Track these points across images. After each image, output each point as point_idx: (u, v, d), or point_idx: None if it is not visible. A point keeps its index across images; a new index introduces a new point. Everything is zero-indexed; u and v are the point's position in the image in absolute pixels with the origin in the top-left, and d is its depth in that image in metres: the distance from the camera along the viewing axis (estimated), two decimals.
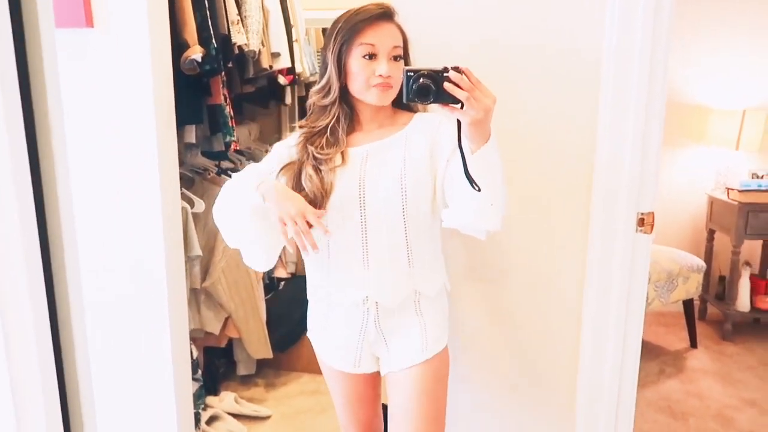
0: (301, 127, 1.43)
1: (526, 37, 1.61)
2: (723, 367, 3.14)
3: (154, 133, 1.72)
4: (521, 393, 1.81)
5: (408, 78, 1.14)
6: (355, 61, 1.32)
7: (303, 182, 1.35)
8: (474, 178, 1.16)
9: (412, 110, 1.44)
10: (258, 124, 3.32)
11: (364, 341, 1.44)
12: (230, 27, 2.20)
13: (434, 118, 1.39)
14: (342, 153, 1.36)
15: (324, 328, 1.48)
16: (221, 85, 2.27)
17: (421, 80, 1.11)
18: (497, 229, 1.26)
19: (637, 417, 2.57)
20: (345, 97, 1.38)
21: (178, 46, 1.91)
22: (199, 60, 1.90)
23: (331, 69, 1.35)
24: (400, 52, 1.35)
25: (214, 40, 2.00)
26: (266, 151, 3.59)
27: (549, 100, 1.62)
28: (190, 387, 2.07)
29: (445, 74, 1.11)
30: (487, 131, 1.16)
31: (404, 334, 1.42)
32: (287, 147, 1.43)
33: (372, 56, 1.31)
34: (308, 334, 1.55)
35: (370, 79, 1.31)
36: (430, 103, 1.13)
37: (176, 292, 1.91)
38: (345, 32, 1.32)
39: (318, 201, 1.33)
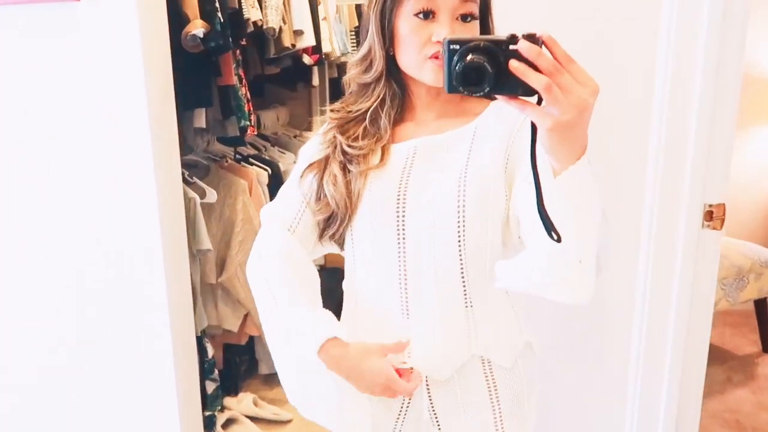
0: (332, 111, 1.04)
1: None
2: None
3: (146, 116, 1.56)
4: (570, 403, 1.57)
5: (450, 54, 0.68)
6: (406, 21, 0.92)
7: (324, 185, 0.99)
8: (551, 219, 0.72)
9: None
10: (287, 108, 3.15)
11: (405, 421, 1.01)
12: (242, 1, 2.02)
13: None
14: (383, 149, 0.98)
15: (338, 404, 0.98)
16: (234, 65, 2.10)
17: (470, 57, 0.66)
18: (585, 302, 0.81)
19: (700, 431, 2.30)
20: (394, 72, 0.98)
21: (180, 22, 1.74)
22: (202, 36, 1.73)
23: (373, 32, 0.96)
24: (474, 9, 0.92)
25: (219, 15, 1.83)
26: (295, 137, 3.47)
27: (596, 69, 1.36)
28: (197, 390, 1.93)
29: (511, 47, 0.65)
30: (580, 142, 0.70)
31: (467, 420, 1.00)
32: (315, 140, 1.07)
33: (430, 14, 0.90)
34: (302, 410, 1.02)
35: (426, 47, 0.91)
36: (486, 95, 0.68)
37: (178, 288, 1.76)
38: None
39: (341, 213, 0.98)
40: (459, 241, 0.93)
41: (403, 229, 0.96)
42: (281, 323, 0.97)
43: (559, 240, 0.72)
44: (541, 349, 1.06)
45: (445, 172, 0.94)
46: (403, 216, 0.95)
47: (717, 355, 2.98)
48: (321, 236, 1.03)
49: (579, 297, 0.81)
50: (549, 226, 0.72)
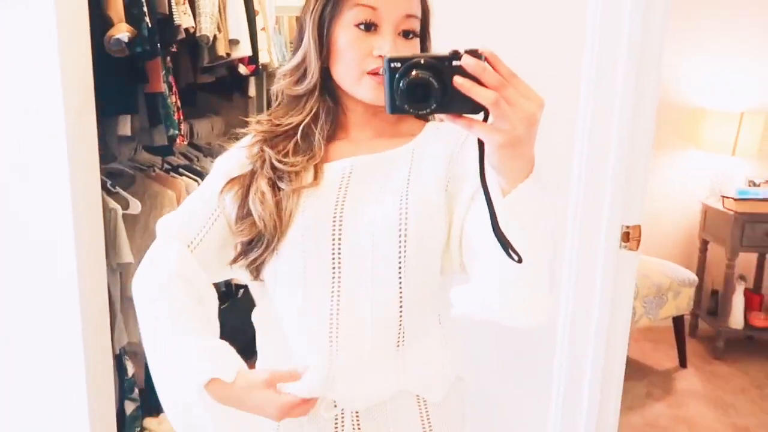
0: (258, 123, 0.94)
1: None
2: (714, 389, 2.93)
3: (62, 120, 1.48)
4: (492, 418, 1.58)
5: (391, 72, 0.64)
6: (345, 31, 0.86)
7: (250, 203, 0.88)
8: (507, 238, 0.69)
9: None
10: (222, 118, 3.08)
11: None
12: (173, 6, 1.96)
13: (458, 128, 0.85)
14: (315, 167, 0.90)
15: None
16: (164, 72, 2.03)
17: (415, 72, 0.63)
18: (541, 323, 0.79)
19: None
20: (328, 85, 0.91)
21: (104, 25, 1.67)
22: (126, 41, 1.66)
23: (309, 40, 0.88)
24: (416, 26, 0.87)
25: (147, 20, 1.76)
26: (222, 147, 3.40)
27: None
28: (112, 411, 1.83)
29: (455, 62, 0.62)
30: (528, 159, 0.68)
31: None
32: (236, 154, 0.96)
33: (371, 26, 0.85)
34: None
35: (365, 61, 0.85)
36: (431, 112, 0.65)
37: (93, 303, 1.67)
38: None
39: (268, 235, 0.87)
40: (399, 269, 0.85)
41: (339, 254, 0.87)
42: (165, 352, 0.86)
43: (520, 260, 0.68)
44: (469, 378, 1.03)
45: (384, 194, 0.87)
46: (339, 240, 0.86)
47: (638, 370, 3.09)
48: (236, 260, 0.91)
49: (536, 319, 0.78)
50: (506, 247, 0.68)
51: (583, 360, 1.50)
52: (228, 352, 0.87)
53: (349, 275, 0.87)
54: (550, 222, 0.75)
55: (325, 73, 0.90)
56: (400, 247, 0.85)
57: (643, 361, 3.21)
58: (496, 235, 0.68)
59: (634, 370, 3.08)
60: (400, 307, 0.87)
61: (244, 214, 0.90)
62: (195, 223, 0.92)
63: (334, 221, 0.87)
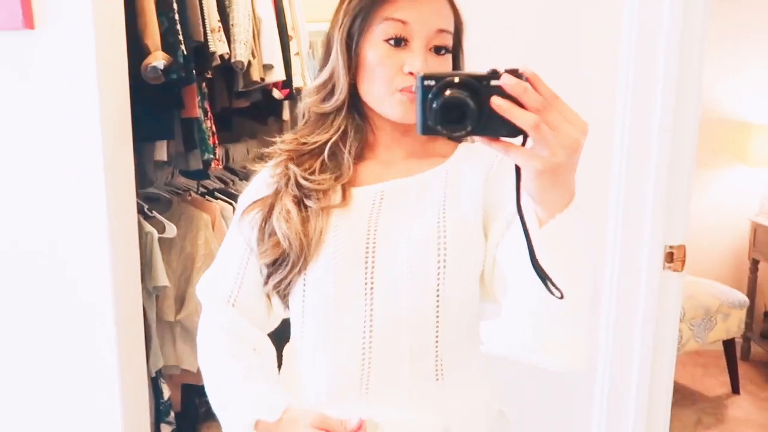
0: (283, 142, 0.91)
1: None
2: None
3: (100, 147, 1.51)
4: None
5: (425, 91, 0.60)
6: (375, 47, 0.82)
7: (274, 222, 0.85)
8: (546, 272, 0.64)
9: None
10: (258, 142, 3.12)
11: None
12: (208, 34, 2.00)
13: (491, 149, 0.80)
14: (343, 188, 0.86)
15: None
16: (199, 98, 2.07)
17: (449, 92, 0.59)
18: (577, 368, 0.72)
19: None
20: (356, 103, 0.87)
21: (141, 53, 1.72)
22: (162, 68, 1.70)
23: (337, 56, 0.85)
24: (448, 41, 0.83)
25: (183, 47, 1.80)
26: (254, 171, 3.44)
27: None
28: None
29: (493, 82, 0.58)
30: (568, 187, 0.63)
31: None
32: (257, 178, 0.94)
33: (401, 41, 0.81)
34: None
35: (395, 78, 0.81)
36: (466, 135, 0.60)
37: (129, 326, 1.69)
38: None
39: (294, 255, 0.83)
40: (437, 297, 0.81)
41: (372, 280, 0.82)
42: (218, 398, 0.88)
43: (561, 296, 0.63)
44: (513, 415, 0.97)
45: (419, 219, 0.83)
46: (373, 265, 0.82)
47: (687, 396, 2.95)
48: (265, 283, 0.89)
49: (572, 362, 0.71)
50: (545, 280, 0.63)
51: (627, 388, 1.43)
52: (273, 393, 0.85)
53: (384, 301, 0.82)
54: (591, 256, 0.69)
55: (353, 91, 0.86)
56: (438, 270, 0.81)
57: (692, 386, 3.06)
58: (534, 267, 0.63)
59: (683, 396, 2.95)
60: (437, 336, 0.83)
61: (267, 234, 0.87)
62: (228, 278, 0.91)
63: (367, 245, 0.83)
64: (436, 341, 0.83)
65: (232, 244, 0.93)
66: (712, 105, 3.25)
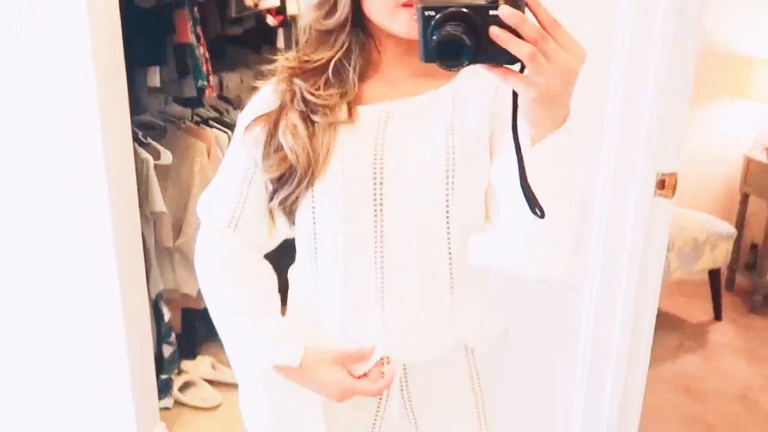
0: (286, 59, 0.88)
1: None
2: (749, 342, 2.88)
3: (92, 72, 1.49)
4: (519, 369, 1.59)
5: (425, 22, 0.61)
6: None
7: (281, 136, 0.83)
8: (534, 192, 0.66)
9: None
10: (252, 71, 3.07)
11: (382, 424, 0.92)
12: None
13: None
14: (349, 106, 0.85)
15: (312, 403, 0.91)
16: (191, 23, 2.02)
17: (447, 28, 0.59)
18: (562, 279, 0.76)
19: (650, 396, 2.35)
20: (360, 19, 0.84)
21: None
22: None
23: None
24: None
25: None
26: (254, 88, 3.40)
27: None
28: (150, 353, 1.91)
29: (492, 12, 0.59)
30: (562, 111, 0.65)
31: (448, 414, 0.93)
32: (259, 95, 0.91)
33: None
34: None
35: None
36: (466, 65, 0.61)
37: (128, 250, 1.72)
38: None
39: (301, 170, 0.83)
40: (447, 212, 0.83)
41: (381, 196, 0.83)
42: (229, 338, 0.89)
43: (542, 216, 0.66)
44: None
45: (427, 137, 0.83)
46: (381, 181, 0.82)
47: (671, 323, 3.06)
48: (270, 199, 0.88)
49: (559, 274, 0.75)
50: (532, 201, 0.66)
51: (612, 310, 1.49)
52: (289, 335, 0.86)
53: (393, 220, 0.83)
54: (580, 178, 0.71)
55: (356, 6, 0.82)
56: (447, 187, 0.82)
57: (676, 314, 3.16)
58: (522, 186, 0.65)
59: (667, 322, 3.05)
60: (449, 250, 0.85)
61: (272, 150, 0.85)
62: (230, 197, 0.90)
63: (375, 164, 0.83)
64: (449, 258, 0.85)
65: (233, 162, 0.91)
66: (714, 38, 3.19)
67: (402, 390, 0.90)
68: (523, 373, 1.59)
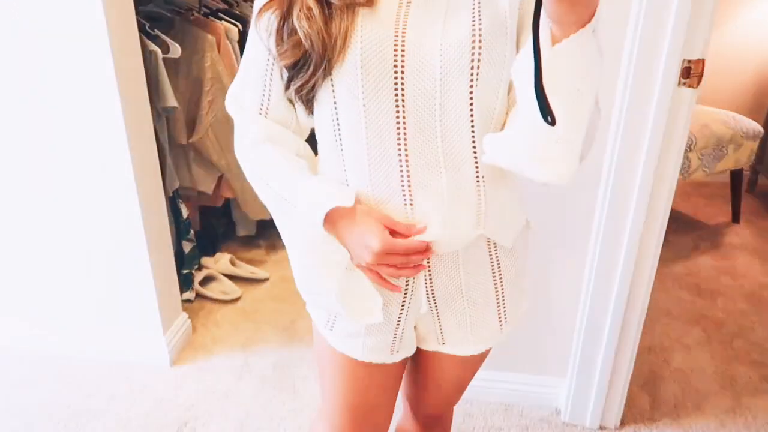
0: None
1: None
2: (765, 243, 2.87)
3: None
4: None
5: None
6: None
7: (295, 20, 0.79)
8: (547, 98, 0.62)
9: None
10: None
11: (408, 314, 0.94)
12: None
13: None
14: None
15: (357, 280, 0.90)
16: None
17: None
18: (564, 181, 0.74)
19: (660, 293, 2.40)
20: None
21: None
22: None
23: None
24: None
25: None
26: None
27: None
28: (169, 246, 1.96)
29: None
30: (588, 8, 0.62)
31: (468, 304, 0.94)
32: None
33: None
34: (309, 290, 0.95)
35: None
36: None
37: (141, 144, 1.73)
38: None
39: (316, 56, 0.79)
40: (471, 99, 0.79)
41: (402, 83, 0.78)
42: (281, 203, 0.87)
43: (553, 123, 0.62)
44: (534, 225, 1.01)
45: (452, 20, 0.78)
46: (402, 66, 0.78)
47: (687, 224, 3.05)
48: (286, 88, 0.85)
49: (561, 177, 0.73)
50: (544, 107, 0.62)
51: (626, 203, 1.47)
52: (335, 183, 0.86)
53: (416, 109, 0.79)
54: (596, 84, 0.68)
55: None
56: (472, 72, 0.77)
57: (693, 215, 3.14)
58: (537, 92, 0.62)
59: (683, 223, 3.04)
60: (473, 140, 0.81)
61: (286, 34, 0.80)
62: (255, 88, 0.87)
63: (396, 48, 0.78)
64: (473, 150, 0.82)
65: (253, 51, 0.87)
66: None
67: (426, 282, 0.91)
68: (534, 265, 1.61)
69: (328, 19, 0.78)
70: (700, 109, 2.80)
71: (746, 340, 2.17)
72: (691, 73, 1.34)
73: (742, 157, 2.84)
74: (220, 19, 2.29)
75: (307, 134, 0.93)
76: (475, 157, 0.82)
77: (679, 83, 1.35)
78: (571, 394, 1.73)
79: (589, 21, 0.61)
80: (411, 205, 0.83)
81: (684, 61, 1.33)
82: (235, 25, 2.29)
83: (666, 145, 1.41)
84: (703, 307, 2.37)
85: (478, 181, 0.84)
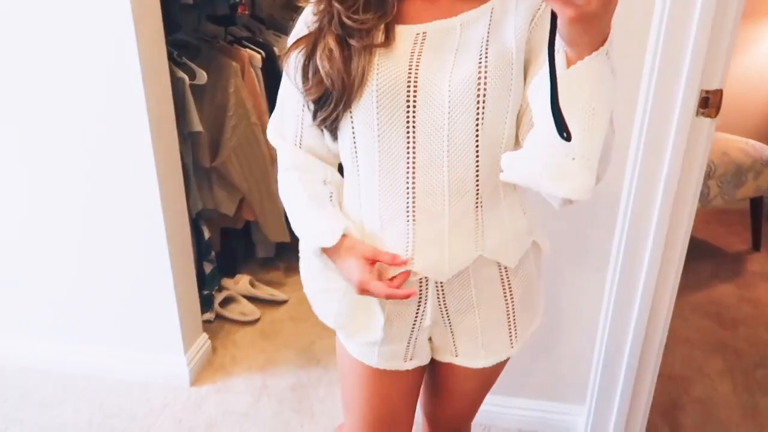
0: None
1: None
2: None
3: None
4: (552, 285, 1.61)
5: None
6: None
7: (318, 60, 0.86)
8: (564, 115, 0.66)
9: None
10: None
11: (421, 324, 0.99)
12: None
13: None
14: (386, 28, 0.85)
15: (356, 304, 0.99)
16: None
17: None
18: (583, 199, 0.74)
19: (679, 322, 2.38)
20: None
21: None
22: None
23: None
24: None
25: None
26: (293, 20, 3.34)
27: None
28: (191, 267, 1.99)
29: None
30: (601, 33, 0.64)
31: (480, 322, 0.99)
32: (301, 17, 0.93)
33: None
34: (318, 310, 1.04)
35: None
36: None
37: (168, 168, 1.77)
38: None
39: (337, 94, 0.86)
40: (477, 131, 0.84)
41: (414, 117, 0.85)
42: (294, 224, 0.98)
43: (568, 139, 0.66)
44: (550, 248, 1.05)
45: (461, 59, 0.83)
46: (414, 102, 0.84)
47: (707, 251, 3.03)
48: (313, 118, 0.92)
49: (577, 193, 0.73)
50: (560, 124, 0.66)
51: (645, 232, 1.48)
52: (334, 218, 0.94)
53: (425, 138, 0.85)
54: (611, 101, 0.70)
55: None
56: (478, 106, 0.83)
57: (713, 242, 3.12)
58: (553, 109, 0.65)
59: (703, 251, 3.02)
60: (477, 170, 0.87)
61: (311, 72, 0.88)
62: (290, 122, 0.97)
63: (408, 87, 0.84)
64: (476, 178, 0.88)
65: (287, 86, 0.95)
66: None
67: (438, 297, 0.96)
68: (550, 290, 1.62)
69: (347, 59, 0.85)
70: (719, 136, 2.80)
71: None
72: (709, 103, 1.35)
73: (763, 184, 2.82)
74: (245, 46, 2.36)
75: (339, 159, 1.00)
76: (477, 186, 0.88)
77: (697, 113, 1.36)
78: (590, 422, 1.72)
79: (602, 44, 0.65)
80: (413, 226, 0.90)
81: (702, 91, 1.34)
82: (259, 53, 2.35)
83: (685, 174, 1.42)
84: (725, 336, 2.34)
85: (476, 207, 0.90)
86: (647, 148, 1.39)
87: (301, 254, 1.03)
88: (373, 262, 0.90)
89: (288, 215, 0.99)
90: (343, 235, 0.91)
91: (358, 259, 0.89)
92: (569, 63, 0.66)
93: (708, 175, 2.61)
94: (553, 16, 0.64)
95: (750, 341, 2.31)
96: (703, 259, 2.93)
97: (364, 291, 0.89)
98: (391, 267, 0.91)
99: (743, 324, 2.42)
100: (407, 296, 0.87)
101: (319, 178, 0.98)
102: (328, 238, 0.91)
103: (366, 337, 0.99)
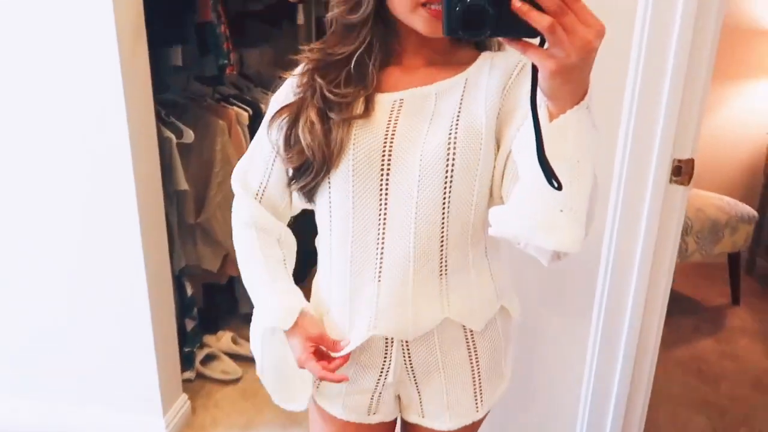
0: (310, 51, 0.94)
1: None
2: (766, 326, 2.87)
3: (116, 53, 1.53)
4: (534, 347, 1.62)
5: None
6: None
7: (299, 132, 0.90)
8: (550, 164, 0.68)
9: (479, 46, 0.96)
10: (272, 47, 3.08)
11: (385, 380, 1.02)
12: None
13: (512, 58, 0.89)
14: (366, 98, 0.90)
15: (272, 379, 1.06)
16: (212, 1, 2.04)
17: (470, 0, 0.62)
18: (573, 250, 0.75)
19: (663, 378, 2.38)
20: (383, 13, 0.89)
21: None
22: None
23: None
24: None
25: None
26: (280, 78, 3.41)
27: None
28: (173, 326, 1.97)
29: None
30: (581, 86, 0.67)
31: (446, 382, 1.01)
32: (286, 83, 0.98)
33: None
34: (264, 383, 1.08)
35: None
36: (487, 36, 0.64)
37: (153, 228, 1.78)
38: None
39: (317, 164, 0.90)
40: (444, 200, 0.88)
41: (387, 186, 0.89)
42: (248, 290, 1.02)
43: (559, 187, 0.68)
44: (519, 313, 1.07)
45: (434, 124, 0.88)
46: (388, 171, 0.88)
47: (688, 306, 3.06)
48: (289, 184, 0.97)
49: (566, 245, 0.74)
50: (549, 174, 0.67)
51: (625, 294, 1.50)
52: (291, 296, 0.99)
53: (396, 205, 0.89)
54: (594, 154, 0.73)
55: (380, 2, 0.88)
56: (446, 175, 0.86)
57: (693, 296, 3.16)
58: (540, 160, 0.67)
59: (684, 305, 3.05)
60: (442, 238, 0.90)
61: (293, 142, 0.92)
62: (257, 173, 1.01)
63: (383, 154, 0.88)
64: (442, 244, 0.91)
65: (260, 143, 1.00)
66: (737, 13, 3.12)
67: (404, 355, 0.98)
68: (533, 350, 1.62)
69: (327, 132, 0.89)
70: (694, 192, 2.87)
71: (751, 429, 2.14)
72: (681, 171, 1.40)
73: (739, 240, 2.88)
74: (232, 104, 2.40)
75: (291, 216, 1.07)
76: (442, 253, 0.92)
77: (670, 181, 1.41)
78: None
79: (582, 98, 0.67)
80: (379, 289, 0.93)
81: (674, 160, 1.39)
82: (246, 110, 2.39)
83: (662, 236, 1.45)
84: (707, 392, 2.35)
85: (441, 273, 0.93)
86: (624, 212, 1.43)
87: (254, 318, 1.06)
88: (317, 343, 0.96)
89: (241, 269, 1.02)
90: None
91: (304, 340, 0.95)
92: (551, 117, 0.69)
93: (685, 232, 2.66)
94: (534, 70, 0.66)
95: (732, 398, 2.31)
96: (684, 314, 2.96)
97: (302, 367, 0.95)
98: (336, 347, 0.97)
99: (725, 380, 2.43)
100: (339, 381, 0.93)
101: (275, 239, 1.02)
102: (286, 321, 0.96)
103: (290, 407, 1.06)
